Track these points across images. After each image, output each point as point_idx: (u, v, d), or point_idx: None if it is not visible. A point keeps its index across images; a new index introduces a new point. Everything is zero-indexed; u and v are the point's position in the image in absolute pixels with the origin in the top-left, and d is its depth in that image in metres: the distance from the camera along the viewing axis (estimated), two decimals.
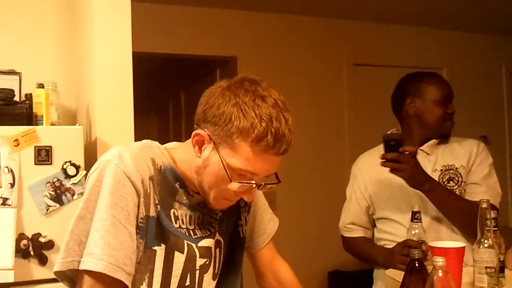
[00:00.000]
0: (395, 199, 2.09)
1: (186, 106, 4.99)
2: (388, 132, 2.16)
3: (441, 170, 2.04)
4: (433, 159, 2.02)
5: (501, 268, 1.71)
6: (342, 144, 4.32)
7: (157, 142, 1.29)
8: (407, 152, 1.88)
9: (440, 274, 1.31)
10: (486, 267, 1.61)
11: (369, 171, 2.19)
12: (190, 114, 4.98)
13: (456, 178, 2.04)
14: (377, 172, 2.15)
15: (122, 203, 1.12)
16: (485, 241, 1.62)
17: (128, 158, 1.16)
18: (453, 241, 1.85)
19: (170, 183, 1.24)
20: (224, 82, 1.20)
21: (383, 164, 1.90)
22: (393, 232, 2.07)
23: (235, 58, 3.99)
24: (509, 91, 5.02)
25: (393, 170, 1.90)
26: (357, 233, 2.22)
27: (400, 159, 1.87)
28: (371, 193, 2.17)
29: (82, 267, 1.09)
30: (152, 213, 1.18)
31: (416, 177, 1.90)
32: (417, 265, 1.46)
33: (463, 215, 1.86)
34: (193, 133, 1.21)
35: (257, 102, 1.14)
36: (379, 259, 2.09)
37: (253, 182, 1.19)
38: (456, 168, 2.05)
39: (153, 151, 1.23)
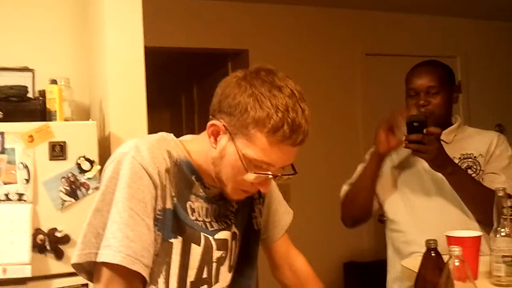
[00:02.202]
0: (411, 187, 2.08)
1: (199, 99, 5.00)
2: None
3: (460, 158, 2.02)
4: (451, 147, 2.00)
5: None
6: (356, 135, 4.30)
7: (172, 135, 1.29)
8: (431, 134, 1.87)
9: (456, 264, 1.30)
10: (503, 256, 1.59)
11: (392, 154, 2.16)
12: (202, 107, 5.00)
13: (475, 167, 2.02)
14: (395, 160, 2.13)
15: (139, 195, 1.12)
16: (502, 229, 1.60)
17: (145, 150, 1.16)
18: (466, 226, 1.83)
19: (186, 175, 1.24)
20: (240, 72, 1.20)
21: (406, 146, 1.88)
22: (406, 221, 2.06)
23: (246, 51, 3.99)
24: None
25: (416, 152, 1.88)
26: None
27: (424, 141, 1.84)
28: (387, 180, 2.14)
29: (100, 259, 1.09)
30: (169, 205, 1.18)
31: (440, 160, 1.89)
32: (433, 254, 1.45)
33: (482, 201, 1.84)
34: (209, 123, 1.20)
35: (274, 92, 1.13)
36: (367, 168, 2.06)
37: (270, 173, 1.18)
38: (475, 157, 2.03)
39: (169, 144, 1.23)
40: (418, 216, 2.02)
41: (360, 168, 2.20)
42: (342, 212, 2.20)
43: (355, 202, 2.12)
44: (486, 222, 1.80)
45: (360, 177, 2.12)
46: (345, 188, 2.21)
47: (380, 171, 2.08)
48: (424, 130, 1.86)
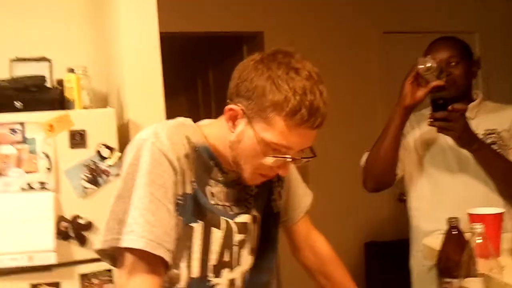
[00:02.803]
0: (435, 164, 2.06)
1: (215, 83, 4.99)
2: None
3: (483, 134, 2.00)
4: (475, 123, 1.98)
5: None
6: (374, 115, 4.26)
7: (190, 120, 1.29)
8: (456, 110, 1.84)
9: (479, 241, 1.29)
10: None
11: (413, 133, 2.14)
12: (219, 91, 4.98)
13: (499, 142, 2.00)
14: (419, 137, 2.11)
15: (159, 180, 1.13)
16: None
17: (164, 136, 1.16)
18: (490, 203, 1.81)
19: (205, 160, 1.24)
20: (257, 55, 1.19)
21: (431, 124, 1.85)
22: (430, 198, 2.05)
23: (261, 33, 3.96)
24: None
25: (441, 130, 1.86)
26: None
27: (450, 118, 1.82)
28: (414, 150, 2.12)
29: (123, 244, 1.11)
30: (189, 190, 1.19)
31: (466, 136, 1.86)
32: (455, 232, 1.44)
33: (508, 176, 1.83)
34: (226, 108, 1.20)
35: (291, 75, 1.12)
36: (389, 126, 1.99)
37: (288, 156, 1.18)
38: (499, 132, 2.01)
39: (187, 129, 1.24)
40: (442, 194, 2.01)
41: None
42: (364, 175, 2.11)
43: (378, 161, 2.03)
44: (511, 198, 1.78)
45: (383, 133, 2.02)
46: (366, 153, 2.13)
47: (403, 129, 2.00)
48: (449, 107, 1.84)
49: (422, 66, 1.88)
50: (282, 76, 1.12)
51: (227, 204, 1.28)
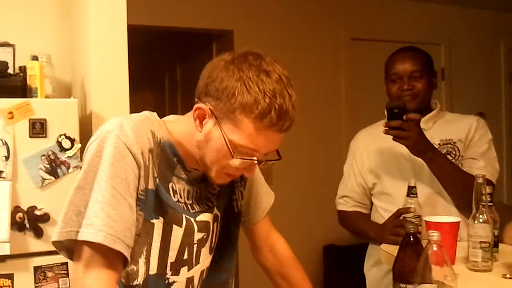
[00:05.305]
0: (391, 174, 2.10)
1: (182, 80, 4.96)
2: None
3: (439, 144, 2.04)
4: (431, 133, 2.02)
5: (495, 243, 1.72)
6: (339, 119, 4.31)
7: (155, 114, 1.27)
8: (411, 120, 1.87)
9: (434, 248, 1.32)
10: (480, 242, 1.62)
11: (367, 148, 2.19)
12: (186, 88, 4.93)
13: (454, 152, 2.04)
14: (375, 149, 2.15)
15: (122, 174, 1.11)
16: (480, 216, 1.63)
17: (128, 129, 1.14)
18: (448, 214, 1.86)
19: (168, 157, 1.23)
20: (228, 55, 1.18)
21: (386, 132, 1.89)
22: (387, 208, 2.08)
23: (231, 31, 3.96)
24: (507, 67, 5.02)
25: (396, 138, 1.89)
26: (352, 207, 2.23)
27: (404, 127, 1.86)
28: (368, 169, 2.17)
29: (81, 237, 1.08)
30: (151, 186, 1.18)
31: (420, 145, 1.90)
32: (412, 239, 1.47)
33: (461, 186, 1.87)
34: (195, 106, 1.19)
35: (261, 77, 1.12)
36: (371, 233, 2.11)
37: (255, 158, 1.18)
38: (454, 143, 2.05)
39: (152, 124, 1.22)
40: (398, 204, 2.04)
41: (346, 185, 2.26)
42: (339, 221, 2.33)
43: (352, 231, 2.31)
44: (465, 207, 1.82)
45: (364, 233, 2.20)
46: (339, 201, 2.29)
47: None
48: (404, 117, 1.87)
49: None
50: (253, 78, 1.12)
51: (188, 202, 1.27)
